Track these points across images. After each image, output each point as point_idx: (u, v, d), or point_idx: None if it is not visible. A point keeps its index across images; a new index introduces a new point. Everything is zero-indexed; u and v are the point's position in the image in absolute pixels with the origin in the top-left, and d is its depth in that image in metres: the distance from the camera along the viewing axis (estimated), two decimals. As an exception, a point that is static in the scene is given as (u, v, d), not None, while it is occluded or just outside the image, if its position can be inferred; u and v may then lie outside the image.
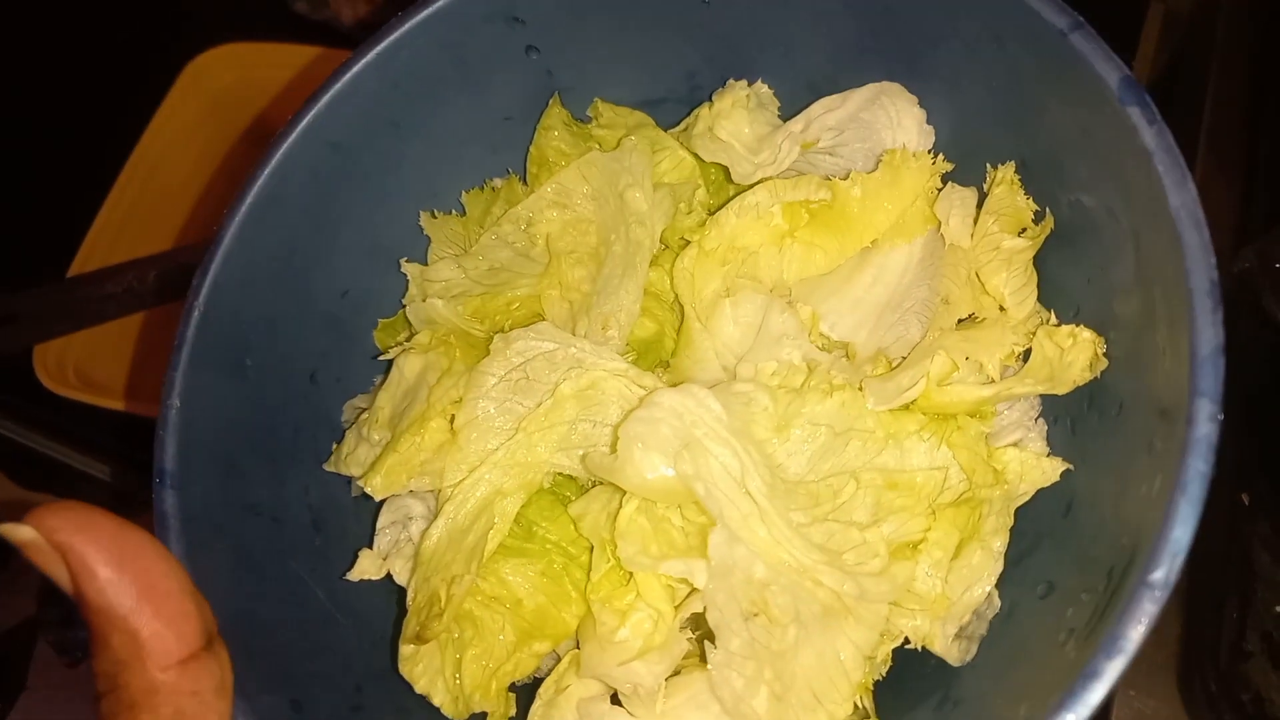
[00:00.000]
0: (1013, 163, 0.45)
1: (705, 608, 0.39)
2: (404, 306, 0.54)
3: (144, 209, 0.90)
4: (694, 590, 0.42)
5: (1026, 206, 0.44)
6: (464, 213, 0.55)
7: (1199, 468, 0.31)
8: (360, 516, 0.52)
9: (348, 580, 0.49)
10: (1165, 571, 0.31)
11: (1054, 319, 0.45)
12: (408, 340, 0.54)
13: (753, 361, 0.46)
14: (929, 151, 0.48)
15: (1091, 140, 0.40)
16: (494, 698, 0.43)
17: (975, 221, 0.46)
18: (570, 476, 0.47)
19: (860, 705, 0.42)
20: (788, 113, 0.53)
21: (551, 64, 0.54)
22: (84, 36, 1.03)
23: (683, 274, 0.49)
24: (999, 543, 0.44)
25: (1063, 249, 0.44)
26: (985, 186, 0.47)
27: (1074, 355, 0.42)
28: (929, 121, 0.48)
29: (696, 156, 0.53)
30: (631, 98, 0.56)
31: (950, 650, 0.43)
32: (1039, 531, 0.43)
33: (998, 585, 0.43)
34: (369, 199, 0.53)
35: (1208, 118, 0.55)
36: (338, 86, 0.49)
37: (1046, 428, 0.46)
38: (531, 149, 0.55)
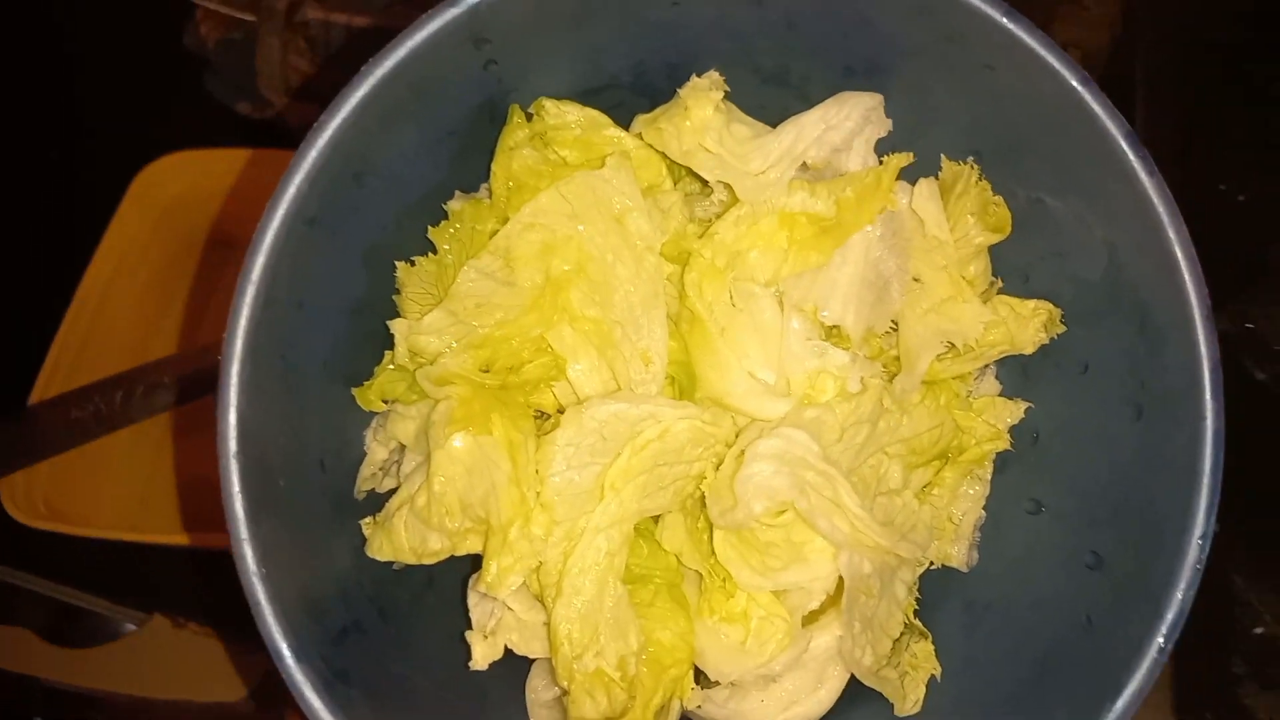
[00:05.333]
0: (972, 159, 0.52)
1: (844, 607, 0.47)
2: (388, 365, 0.51)
3: (103, 326, 0.88)
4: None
5: (995, 202, 0.52)
6: (434, 250, 0.50)
7: (1214, 458, 0.44)
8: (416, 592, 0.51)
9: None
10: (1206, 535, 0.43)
11: (1000, 283, 0.55)
12: (402, 399, 0.51)
13: (784, 373, 0.51)
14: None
15: (1075, 165, 0.47)
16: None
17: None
18: (648, 514, 0.50)
19: (909, 622, 0.54)
20: (736, 100, 0.53)
21: (503, 73, 0.49)
22: (27, 157, 0.99)
23: (692, 287, 0.51)
24: (984, 472, 0.55)
25: (1016, 230, 0.52)
26: (941, 176, 0.53)
27: (1032, 320, 0.53)
28: (886, 113, 0.53)
29: (659, 152, 0.53)
30: (572, 89, 0.53)
31: (962, 560, 0.55)
32: (1008, 456, 0.55)
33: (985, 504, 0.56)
34: (346, 264, 0.47)
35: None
36: (314, 155, 0.42)
37: (995, 370, 0.57)
38: (496, 168, 0.51)
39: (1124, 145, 0.44)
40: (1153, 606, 0.44)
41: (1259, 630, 0.61)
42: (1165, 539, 0.44)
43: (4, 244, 0.95)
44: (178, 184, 0.92)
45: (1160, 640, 0.43)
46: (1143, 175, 0.44)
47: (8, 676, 0.83)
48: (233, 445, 0.40)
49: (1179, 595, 0.44)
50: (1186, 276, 0.44)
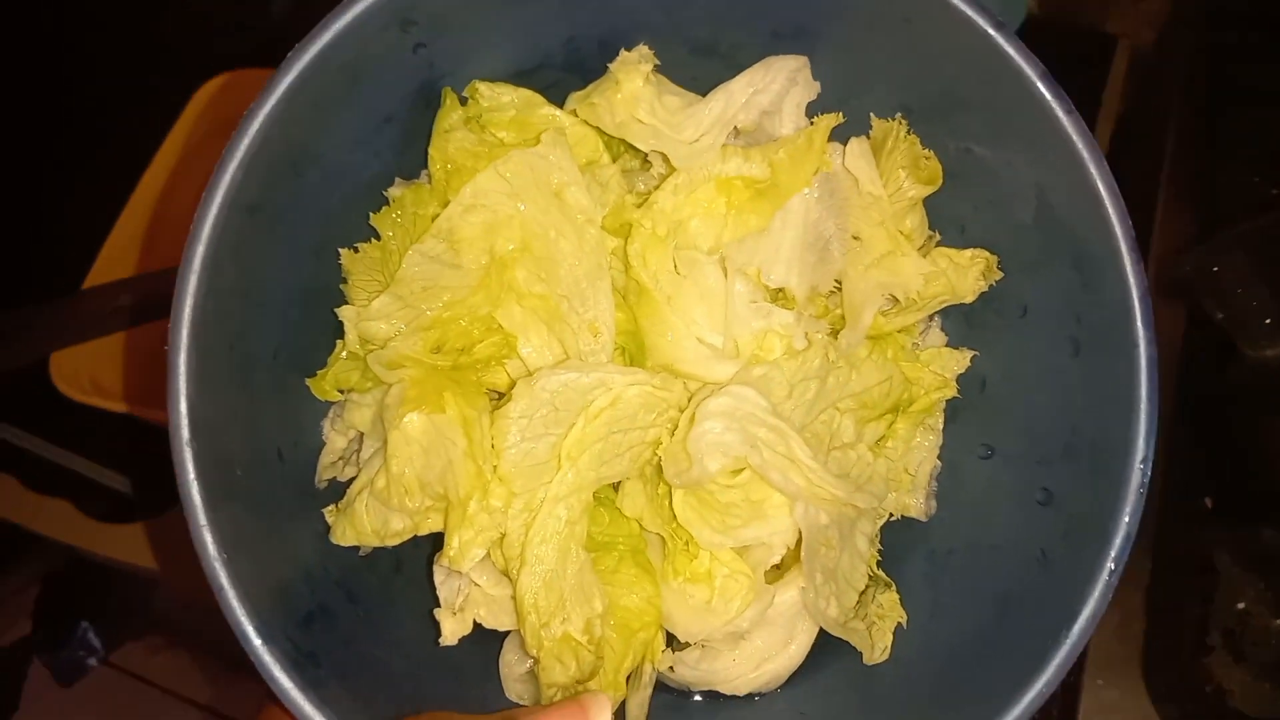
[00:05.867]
0: (901, 115, 0.53)
1: (803, 559, 0.48)
2: (340, 354, 0.51)
3: (155, 227, 0.94)
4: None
5: (925, 155, 0.53)
6: (377, 237, 0.51)
7: (1149, 384, 0.45)
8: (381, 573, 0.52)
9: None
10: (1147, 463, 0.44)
11: (937, 236, 0.56)
12: (357, 388, 0.51)
13: (731, 336, 0.52)
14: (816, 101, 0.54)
15: (998, 111, 0.48)
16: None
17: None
18: (606, 481, 0.50)
19: (873, 573, 0.54)
20: (669, 73, 0.54)
21: (434, 56, 0.50)
22: (100, 62, 1.04)
23: (635, 257, 0.52)
24: (936, 421, 0.56)
25: (949, 182, 0.54)
26: (871, 134, 0.54)
27: (970, 269, 0.54)
28: (815, 76, 0.54)
29: (594, 128, 0.54)
30: (506, 71, 0.53)
31: (921, 510, 0.56)
32: (958, 405, 0.56)
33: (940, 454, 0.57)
34: (292, 252, 0.48)
35: (1170, 148, 0.62)
36: (247, 143, 0.43)
37: (940, 321, 0.58)
38: (432, 151, 0.52)
39: (1040, 87, 0.46)
40: (1101, 534, 0.45)
41: (1241, 605, 0.61)
42: (1110, 468, 0.46)
43: (71, 147, 1.02)
44: (237, 101, 0.94)
45: (1111, 564, 0.45)
46: (1061, 115, 0.46)
47: (60, 588, 0.92)
48: (185, 434, 0.41)
49: (1125, 519, 0.45)
50: (1110, 209, 0.45)
